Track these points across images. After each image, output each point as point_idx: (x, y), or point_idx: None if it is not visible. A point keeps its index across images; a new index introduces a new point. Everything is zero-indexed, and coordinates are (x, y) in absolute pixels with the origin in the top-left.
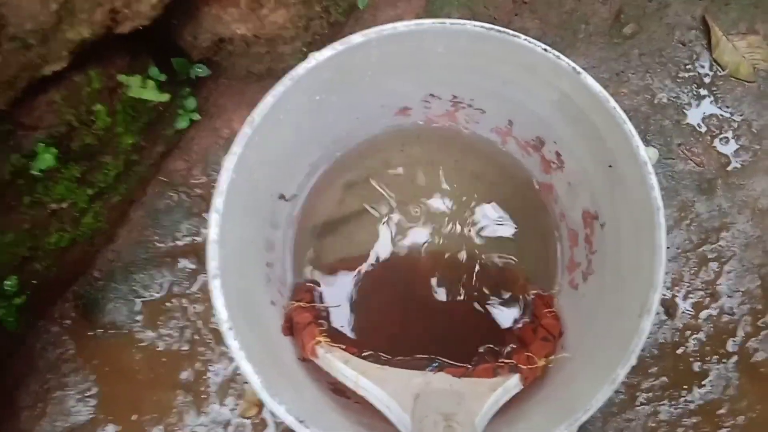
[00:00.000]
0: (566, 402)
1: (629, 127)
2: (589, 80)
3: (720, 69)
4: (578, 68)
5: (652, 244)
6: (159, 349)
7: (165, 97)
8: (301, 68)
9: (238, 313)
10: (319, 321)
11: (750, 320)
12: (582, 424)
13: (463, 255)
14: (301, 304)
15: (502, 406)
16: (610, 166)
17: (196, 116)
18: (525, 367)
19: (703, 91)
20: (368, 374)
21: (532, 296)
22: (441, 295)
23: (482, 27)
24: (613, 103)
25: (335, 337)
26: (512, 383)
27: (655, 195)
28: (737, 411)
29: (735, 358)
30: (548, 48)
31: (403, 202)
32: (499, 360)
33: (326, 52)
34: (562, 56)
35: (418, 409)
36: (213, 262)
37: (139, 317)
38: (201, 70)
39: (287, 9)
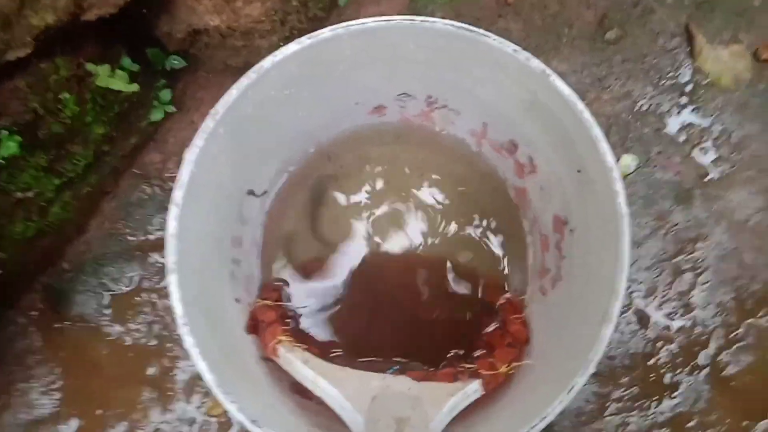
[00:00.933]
0: (528, 409)
1: (597, 131)
2: (559, 82)
3: (702, 77)
4: (548, 70)
5: (615, 251)
6: (126, 343)
7: (134, 88)
8: (267, 61)
9: (196, 309)
10: (285, 320)
11: (723, 333)
12: (551, 430)
13: (437, 259)
14: (267, 302)
15: (464, 411)
16: (579, 171)
17: (171, 108)
18: (486, 373)
19: (684, 100)
20: (327, 375)
21: (503, 301)
22: (413, 298)
23: (452, 25)
24: (581, 106)
25: (300, 337)
26: (472, 389)
27: (620, 201)
28: (707, 424)
29: (706, 371)
30: (518, 48)
31: (378, 204)
32: (460, 365)
33: (292, 47)
34: (532, 57)
35: (373, 411)
36: (171, 256)
37: (107, 311)
38: (177, 62)
39: (262, 2)
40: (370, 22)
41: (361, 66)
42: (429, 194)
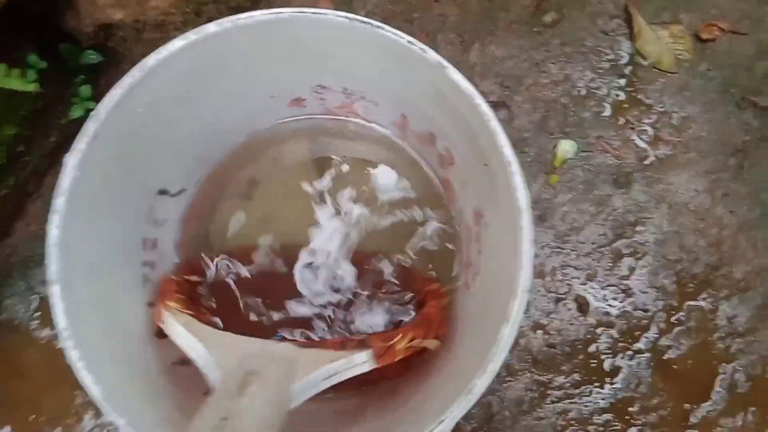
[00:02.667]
0: (436, 410)
1: (494, 124)
2: (456, 75)
3: (642, 59)
4: (444, 62)
5: (516, 248)
6: (58, 347)
7: (31, 87)
8: (152, 59)
9: (87, 318)
10: (187, 295)
11: (664, 317)
12: (491, 421)
13: (369, 252)
14: (173, 276)
15: (368, 415)
16: (485, 165)
17: (93, 105)
18: (378, 344)
19: (623, 82)
20: (204, 338)
21: (427, 291)
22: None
23: (345, 17)
24: (478, 99)
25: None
26: (359, 358)
27: (519, 196)
28: (649, 408)
29: (648, 355)
30: (413, 40)
31: (311, 195)
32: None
33: (178, 42)
34: (427, 49)
35: (233, 367)
36: (53, 266)
37: (36, 314)
38: (94, 57)
39: None
40: (258, 15)
41: (265, 60)
42: (364, 185)
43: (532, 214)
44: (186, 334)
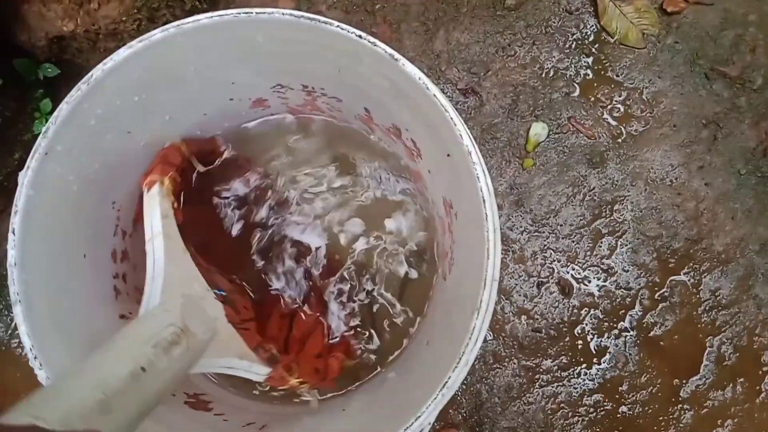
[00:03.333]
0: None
1: (451, 114)
2: (408, 67)
3: (609, 36)
4: (396, 55)
5: (481, 238)
6: None
7: None
8: (98, 71)
9: (54, 336)
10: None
11: (647, 294)
12: (481, 408)
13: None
14: (183, 148)
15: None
16: (448, 155)
17: None
18: (276, 369)
19: (591, 61)
20: (168, 243)
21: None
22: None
23: (291, 15)
24: (433, 90)
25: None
26: (258, 369)
27: (481, 186)
28: (638, 386)
29: (633, 333)
30: (363, 35)
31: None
32: (267, 345)
33: (123, 52)
34: (378, 43)
35: (173, 301)
36: (13, 287)
37: (16, 332)
38: (50, 70)
39: (120, 1)
40: (203, 18)
41: (217, 63)
42: (338, 180)
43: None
44: (158, 229)
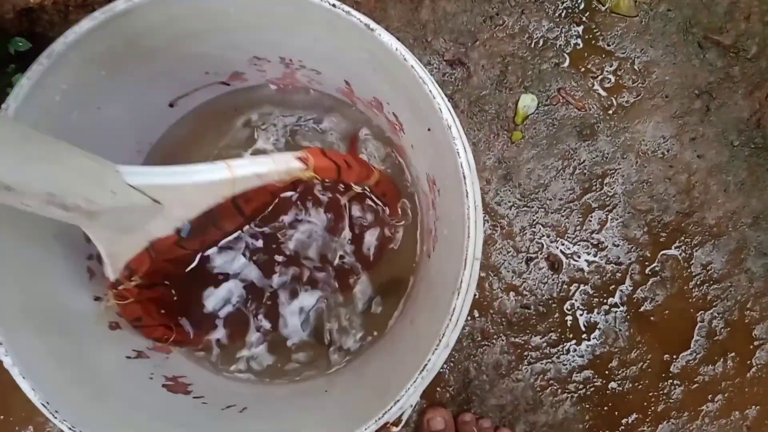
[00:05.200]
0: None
1: (430, 87)
2: (385, 37)
3: (600, 4)
4: (372, 24)
5: (461, 215)
6: None
7: None
8: (59, 44)
9: (23, 321)
10: None
11: (638, 269)
12: (469, 386)
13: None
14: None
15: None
16: (429, 130)
17: None
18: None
19: (581, 30)
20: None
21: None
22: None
23: None
24: (411, 61)
25: None
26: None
27: (462, 161)
28: (629, 362)
29: (623, 309)
30: (337, 3)
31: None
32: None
33: (86, 24)
34: (353, 12)
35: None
36: None
37: None
38: (21, 44)
39: None
40: None
41: (189, 35)
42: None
43: (483, 177)
44: None
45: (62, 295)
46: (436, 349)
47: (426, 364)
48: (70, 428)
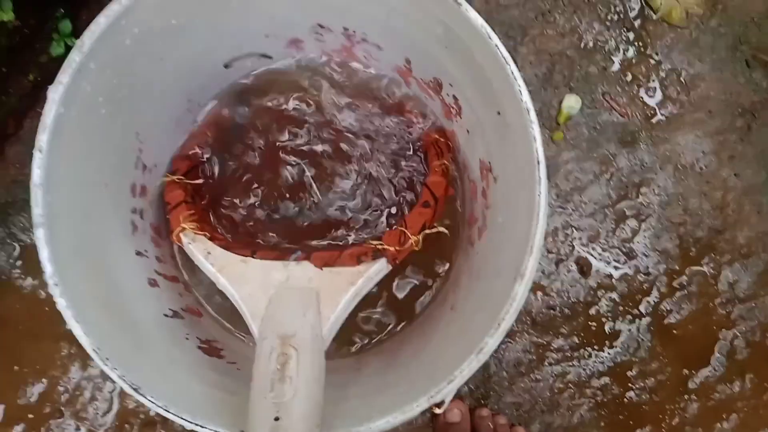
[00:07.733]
0: (439, 367)
1: (512, 68)
2: (471, 13)
3: (652, 12)
4: None
5: (530, 203)
6: (41, 297)
7: (7, 16)
8: None
9: (74, 265)
10: (195, 198)
11: (665, 281)
12: (488, 381)
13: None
14: (174, 178)
15: (361, 377)
16: (498, 113)
17: (74, 41)
18: (391, 248)
19: (632, 36)
20: (227, 270)
21: (427, 134)
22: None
23: None
24: (496, 40)
25: (205, 218)
26: (375, 270)
27: (537, 147)
28: (648, 372)
29: (648, 319)
30: None
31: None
32: (367, 243)
33: None
34: None
35: (263, 326)
36: (37, 209)
37: (18, 263)
38: None
39: None
40: None
41: None
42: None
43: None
44: (212, 271)
45: (108, 243)
46: (495, 332)
47: (483, 347)
48: (120, 377)
